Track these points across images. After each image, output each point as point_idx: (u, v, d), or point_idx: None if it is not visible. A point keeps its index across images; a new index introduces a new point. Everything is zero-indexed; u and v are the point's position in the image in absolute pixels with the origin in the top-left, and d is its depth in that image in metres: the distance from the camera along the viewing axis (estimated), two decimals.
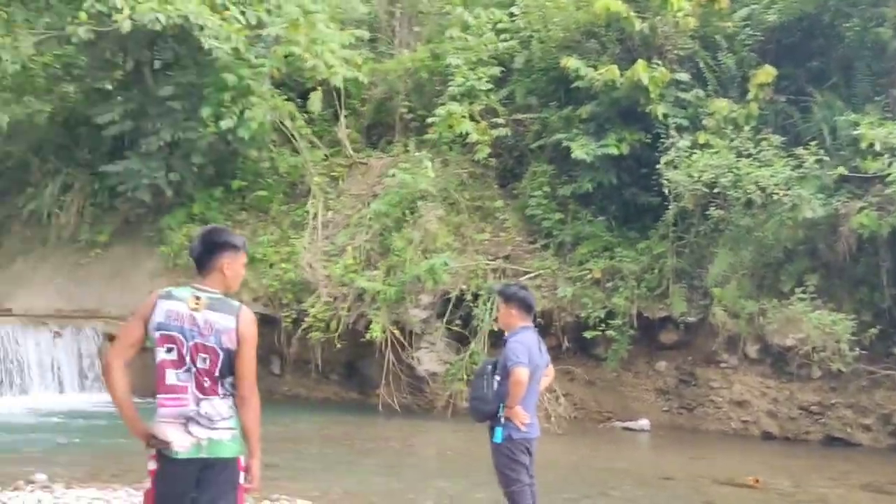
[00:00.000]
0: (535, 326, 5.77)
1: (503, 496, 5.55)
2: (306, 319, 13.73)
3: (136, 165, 15.05)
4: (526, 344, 5.48)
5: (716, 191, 11.73)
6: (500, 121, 14.18)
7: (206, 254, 3.83)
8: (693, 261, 12.53)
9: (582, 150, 12.66)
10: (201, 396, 3.70)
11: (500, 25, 14.94)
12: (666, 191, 12.28)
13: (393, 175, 13.95)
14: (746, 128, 12.09)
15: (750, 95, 12.29)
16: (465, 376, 12.93)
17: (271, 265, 14.56)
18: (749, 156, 11.78)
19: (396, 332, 13.21)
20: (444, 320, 13.24)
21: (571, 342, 12.99)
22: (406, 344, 13.35)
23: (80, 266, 15.91)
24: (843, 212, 11.31)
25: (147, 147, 15.02)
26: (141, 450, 9.48)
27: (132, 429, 3.81)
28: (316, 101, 14.86)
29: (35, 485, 7.31)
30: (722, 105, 12.23)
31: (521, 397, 5.38)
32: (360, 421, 12.78)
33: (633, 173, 13.27)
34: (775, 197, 11.37)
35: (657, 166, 12.38)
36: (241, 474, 3.78)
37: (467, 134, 13.99)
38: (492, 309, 12.95)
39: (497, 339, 13.15)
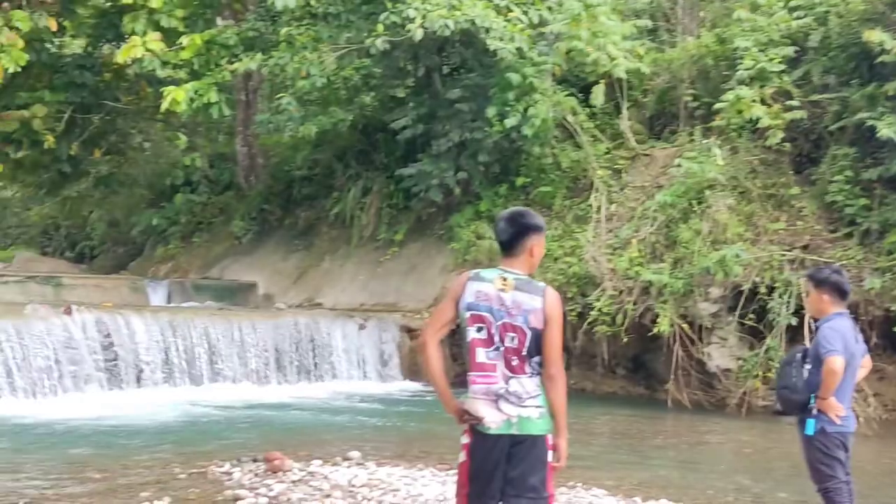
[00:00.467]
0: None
1: (817, 493, 5.23)
2: (591, 313, 13.73)
3: (428, 167, 15.83)
4: (840, 331, 5.14)
5: None
6: (795, 103, 13.37)
7: (518, 236, 3.95)
8: None
9: (890, 129, 11.64)
10: (510, 374, 3.83)
11: (792, 3, 14.08)
12: None
13: (678, 165, 13.59)
14: None
15: None
16: (760, 373, 12.38)
17: (555, 259, 14.71)
18: None
19: (685, 327, 12.88)
20: (737, 314, 12.71)
21: (881, 338, 11.99)
22: (695, 338, 12.98)
23: (379, 263, 17.00)
24: None
25: (437, 149, 15.75)
26: (443, 433, 10.00)
27: (445, 404, 4.01)
28: (599, 95, 14.82)
29: (350, 461, 7.90)
30: None
31: (834, 388, 5.05)
32: (649, 416, 12.58)
33: None
34: None
35: None
36: (550, 452, 3.87)
37: (758, 119, 13.33)
38: (789, 302, 12.29)
39: (795, 334, 12.45)
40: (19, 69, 16.13)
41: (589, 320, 13.69)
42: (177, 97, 16.54)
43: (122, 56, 16.87)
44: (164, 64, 17.14)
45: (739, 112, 13.33)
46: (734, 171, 13.46)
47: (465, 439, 3.94)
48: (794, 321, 12.19)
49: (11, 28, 15.99)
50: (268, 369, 13.37)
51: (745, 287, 12.55)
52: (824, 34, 13.64)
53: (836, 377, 5.02)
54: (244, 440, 9.16)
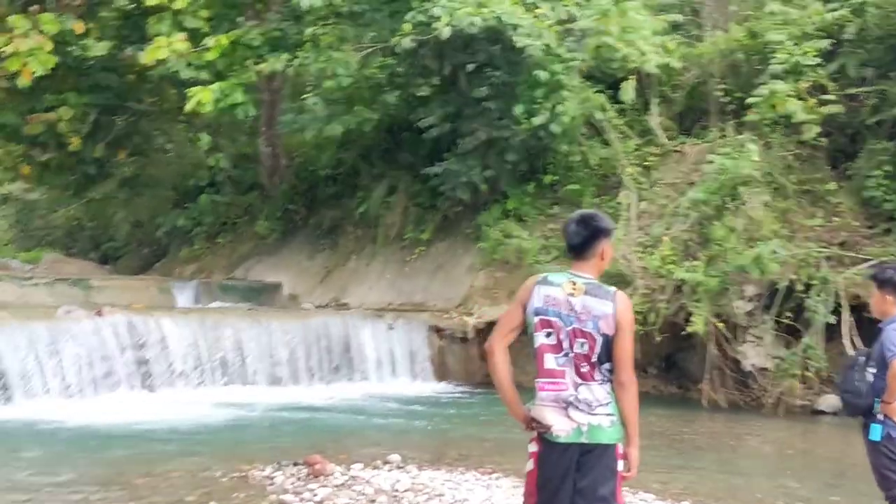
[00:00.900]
0: None
1: (886, 500, 5.08)
2: None
3: (455, 166, 15.70)
4: None
5: None
6: (831, 97, 13.16)
7: (590, 239, 3.84)
8: None
9: None
10: (580, 381, 3.72)
11: None
12: None
13: (711, 161, 13.41)
14: None
15: None
16: (798, 372, 12.19)
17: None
18: None
19: (720, 325, 12.71)
20: (773, 312, 12.52)
21: None
22: (730, 337, 12.80)
23: (406, 262, 16.90)
24: None
25: (464, 147, 15.63)
26: (479, 435, 9.88)
27: (513, 411, 3.90)
28: (629, 91, 14.67)
29: (391, 465, 7.80)
30: None
31: None
32: (684, 416, 12.41)
33: None
34: None
35: None
36: (620, 461, 3.75)
37: (792, 114, 13.12)
38: (827, 300, 12.10)
39: (833, 334, 12.27)
40: (48, 72, 16.13)
41: None
42: (203, 98, 16.50)
43: (147, 57, 16.81)
44: (189, 65, 17.09)
45: (773, 107, 13.12)
46: (768, 167, 13.27)
47: (533, 447, 3.82)
48: (832, 319, 12.01)
49: (40, 32, 15.98)
50: (298, 370, 13.30)
51: (782, 285, 12.37)
52: (860, 26, 13.42)
53: None
54: (280, 443, 9.08)
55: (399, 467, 7.76)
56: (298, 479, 7.13)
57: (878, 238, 12.49)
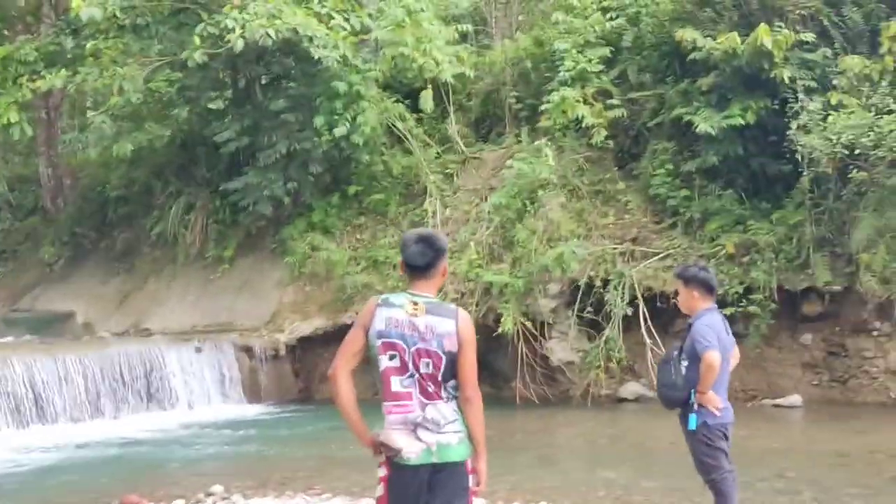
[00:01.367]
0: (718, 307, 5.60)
1: (705, 484, 5.41)
2: None
3: (255, 179, 15.33)
4: (713, 326, 5.34)
5: (857, 152, 11.25)
6: (615, 101, 13.94)
7: (436, 259, 3.82)
8: (833, 227, 12.07)
9: (706, 123, 12.34)
10: (426, 401, 3.70)
11: (604, 4, 14.68)
12: (799, 157, 11.86)
13: (511, 166, 13.85)
14: (884, 83, 11.58)
15: (883, 49, 11.75)
16: (601, 363, 12.81)
17: (395, 266, 14.65)
18: (890, 112, 11.27)
19: (527, 324, 13.14)
20: (575, 308, 13.09)
21: None
22: (537, 335, 13.27)
23: (210, 282, 16.32)
24: None
25: (265, 161, 15.29)
26: (297, 456, 9.64)
27: (359, 436, 3.83)
28: (428, 100, 14.87)
29: (214, 496, 7.50)
30: (854, 62, 11.73)
31: (713, 382, 5.23)
32: (499, 415, 12.60)
33: (759, 142, 12.87)
34: None
35: (787, 133, 11.98)
36: (470, 477, 3.76)
37: (581, 118, 13.80)
38: (624, 293, 12.79)
39: (630, 324, 12.98)
40: None
41: None
42: None
43: None
44: None
45: (564, 112, 13.73)
46: (562, 170, 13.86)
47: (383, 472, 3.77)
48: (629, 311, 12.70)
49: None
50: (100, 404, 12.52)
51: (582, 282, 12.94)
52: (636, 34, 14.31)
53: (714, 371, 5.21)
54: (91, 484, 8.52)
55: (224, 498, 7.49)
56: None
57: (665, 232, 13.34)
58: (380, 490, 3.77)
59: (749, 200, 12.97)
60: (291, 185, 15.33)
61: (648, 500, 7.39)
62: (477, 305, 13.47)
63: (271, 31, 13.59)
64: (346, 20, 14.68)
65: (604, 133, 13.68)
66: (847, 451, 9.24)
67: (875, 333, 11.91)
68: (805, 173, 11.97)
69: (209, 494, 7.57)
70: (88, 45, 15.20)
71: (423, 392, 3.70)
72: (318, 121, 14.62)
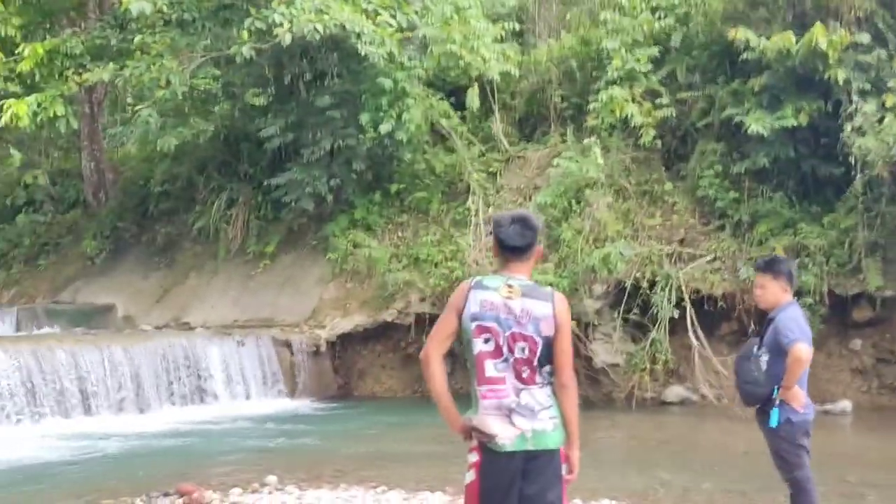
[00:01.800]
0: None
1: (785, 482, 5.29)
2: None
3: (299, 175, 15.34)
4: (798, 320, 5.21)
5: None
6: (664, 101, 13.81)
7: (533, 239, 3.76)
8: (886, 232, 11.89)
9: (758, 123, 12.18)
10: (521, 386, 3.63)
11: (653, 3, 14.56)
12: (852, 160, 11.69)
13: (557, 165, 13.76)
14: None
15: None
16: (647, 365, 12.67)
17: (436, 265, 14.61)
18: None
19: (572, 324, 13.00)
20: (621, 310, 12.97)
21: (758, 325, 12.48)
22: (581, 336, 13.16)
23: (251, 277, 16.35)
24: None
25: (308, 157, 15.31)
26: (343, 450, 9.61)
27: (450, 422, 3.77)
28: (474, 98, 14.82)
29: (270, 486, 7.47)
30: None
31: (799, 376, 5.10)
32: None
33: (810, 144, 12.70)
34: None
35: (840, 135, 11.80)
36: (563, 465, 3.69)
37: (629, 118, 13.69)
38: (671, 295, 12.65)
39: (675, 327, 12.84)
40: None
41: None
42: (18, 111, 15.34)
43: None
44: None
45: (612, 111, 13.62)
46: (609, 170, 13.75)
47: (474, 457, 3.69)
48: (675, 313, 12.57)
49: None
50: (145, 395, 12.57)
51: (628, 283, 12.83)
52: (686, 34, 14.17)
53: (802, 365, 5.07)
54: (140, 473, 8.52)
55: (278, 489, 7.45)
56: None
57: (712, 234, 13.20)
58: (470, 476, 3.70)
59: (799, 203, 12.80)
60: (334, 181, 15.34)
61: (710, 501, 7.28)
62: None
63: (319, 27, 13.60)
64: (393, 16, 14.67)
65: (652, 133, 13.57)
66: None
67: None
68: (858, 176, 11.79)
69: (264, 485, 7.54)
70: (136, 40, 15.30)
71: (518, 377, 3.63)
72: (364, 118, 14.61)
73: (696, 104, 13.88)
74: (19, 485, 8.13)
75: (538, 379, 3.64)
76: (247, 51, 14.04)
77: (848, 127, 11.70)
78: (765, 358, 5.23)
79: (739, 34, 12.44)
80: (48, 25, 18.21)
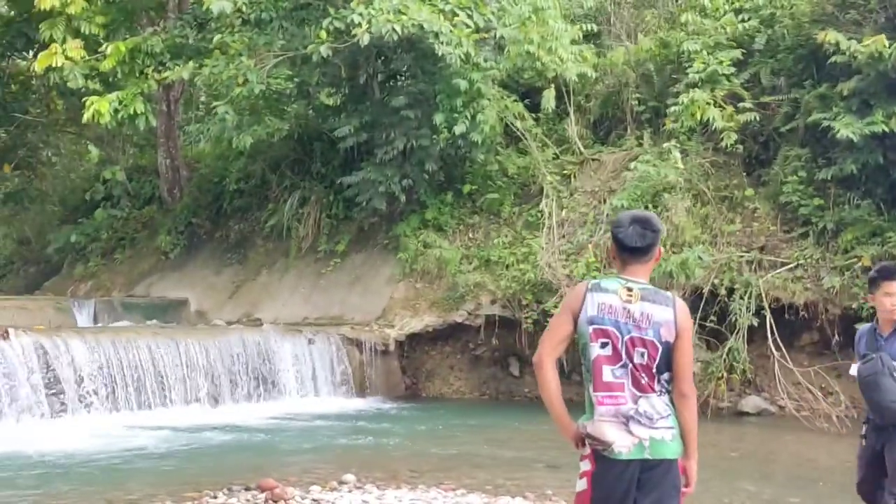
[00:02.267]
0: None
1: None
2: (549, 320, 13.52)
3: (372, 175, 15.38)
4: None
5: None
6: (747, 105, 13.49)
7: (655, 240, 3.65)
8: None
9: (847, 129, 11.82)
10: (638, 394, 3.51)
11: (737, 5, 14.25)
12: None
13: (634, 168, 13.55)
14: None
15: None
16: (723, 374, 12.40)
17: (507, 267, 14.51)
18: None
19: None
20: (697, 316, 12.68)
21: (841, 336, 12.14)
22: None
23: (321, 275, 16.45)
24: None
25: (382, 157, 15.33)
26: (419, 451, 9.56)
27: (562, 428, 3.67)
28: (550, 99, 14.68)
29: (348, 485, 7.45)
30: None
31: None
32: None
33: None
34: None
35: None
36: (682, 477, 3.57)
37: (711, 121, 13.41)
38: (749, 303, 12.36)
39: (753, 336, 12.54)
40: None
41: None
42: (100, 108, 15.68)
43: (40, 64, 15.86)
44: (83, 74, 16.21)
45: (693, 115, 13.36)
46: (688, 174, 13.49)
47: (586, 466, 3.58)
48: (755, 322, 12.27)
49: None
50: (219, 389, 12.71)
51: (705, 289, 12.57)
52: (770, 36, 13.84)
53: None
54: (218, 467, 8.59)
55: (357, 487, 7.43)
56: None
57: (795, 242, 12.85)
58: (582, 485, 3.58)
59: (889, 212, 12.38)
60: (407, 181, 15.33)
61: None
62: None
63: (397, 27, 13.60)
64: (469, 17, 14.60)
65: (734, 137, 13.26)
66: None
67: None
68: None
69: (342, 483, 7.53)
70: (215, 39, 15.51)
71: (636, 383, 3.51)
72: (439, 118, 14.57)
73: (780, 108, 13.52)
74: (105, 475, 8.24)
75: (657, 387, 3.52)
76: (324, 50, 14.11)
77: None
78: None
79: (829, 37, 12.09)
80: (129, 24, 18.54)
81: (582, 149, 15.46)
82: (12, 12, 19.15)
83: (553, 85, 14.85)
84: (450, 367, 15.10)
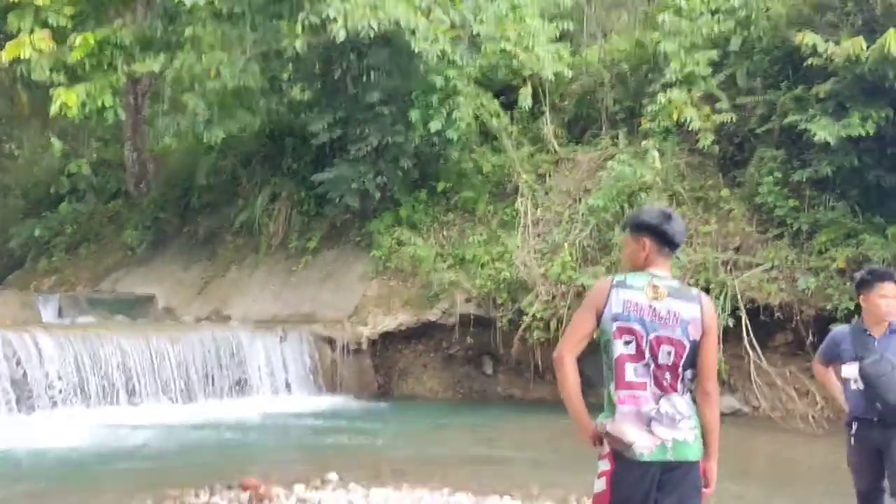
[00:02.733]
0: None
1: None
2: (524, 319, 13.50)
3: (346, 172, 15.22)
4: None
5: None
6: (724, 105, 13.55)
7: (682, 237, 3.58)
8: None
9: (824, 131, 11.89)
10: (660, 393, 3.44)
11: (713, 6, 14.30)
12: None
13: (610, 168, 13.55)
14: None
15: None
16: None
17: (482, 265, 14.43)
18: None
19: None
20: None
21: (815, 336, 12.22)
22: None
23: (292, 272, 16.25)
24: None
25: (355, 153, 15.17)
26: (397, 448, 9.44)
27: (581, 427, 3.59)
28: (526, 97, 14.64)
29: (332, 483, 7.33)
30: None
31: None
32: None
33: (875, 154, 12.38)
34: None
35: None
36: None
37: (685, 122, 13.45)
38: (725, 303, 12.40)
39: (728, 336, 12.57)
40: None
41: (523, 326, 13.45)
42: (67, 100, 15.37)
43: (7, 55, 15.48)
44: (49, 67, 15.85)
45: (670, 115, 13.39)
46: (663, 174, 13.52)
47: (606, 466, 3.50)
48: (730, 322, 12.31)
49: None
50: (189, 387, 12.49)
51: None
52: (746, 38, 13.91)
53: None
54: (197, 464, 8.43)
55: (341, 486, 7.31)
56: None
57: (770, 243, 12.91)
58: (600, 485, 3.50)
59: (862, 214, 12.49)
60: (381, 178, 15.19)
61: None
62: (569, 308, 13.16)
63: (374, 23, 13.47)
64: (445, 14, 14.50)
65: (710, 137, 13.31)
66: None
67: None
68: None
69: (325, 482, 7.40)
70: (186, 32, 15.24)
71: (658, 383, 3.44)
72: (414, 114, 14.46)
73: (756, 110, 13.58)
74: (78, 472, 8.03)
75: (679, 386, 3.46)
76: (300, 45, 13.92)
77: None
78: None
79: (807, 38, 12.16)
80: (99, 16, 18.16)
81: (557, 148, 15.44)
82: None
83: (529, 83, 14.79)
84: (423, 365, 14.99)
